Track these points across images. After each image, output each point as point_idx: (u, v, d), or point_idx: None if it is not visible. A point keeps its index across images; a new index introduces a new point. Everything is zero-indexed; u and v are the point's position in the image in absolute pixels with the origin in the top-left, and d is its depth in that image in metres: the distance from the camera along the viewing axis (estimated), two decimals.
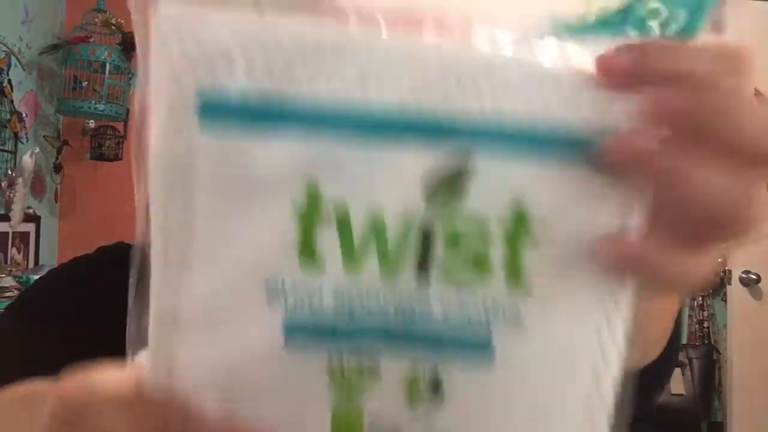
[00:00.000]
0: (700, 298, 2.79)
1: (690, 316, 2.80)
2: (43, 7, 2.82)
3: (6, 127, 2.56)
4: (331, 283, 0.31)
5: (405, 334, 0.32)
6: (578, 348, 0.33)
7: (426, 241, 0.31)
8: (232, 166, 0.31)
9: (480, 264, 0.32)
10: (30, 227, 2.73)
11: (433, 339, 0.32)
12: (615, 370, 0.33)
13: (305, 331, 0.31)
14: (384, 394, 0.33)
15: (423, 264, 0.31)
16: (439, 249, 0.31)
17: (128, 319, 0.32)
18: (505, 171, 0.31)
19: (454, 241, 0.31)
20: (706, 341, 2.74)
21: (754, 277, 2.47)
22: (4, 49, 2.56)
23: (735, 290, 2.50)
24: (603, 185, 0.32)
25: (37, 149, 2.68)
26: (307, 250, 0.31)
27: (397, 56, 0.31)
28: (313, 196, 0.31)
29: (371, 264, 0.31)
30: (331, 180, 0.31)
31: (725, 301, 2.64)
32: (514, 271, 0.31)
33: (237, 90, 0.30)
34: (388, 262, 0.31)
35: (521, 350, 0.32)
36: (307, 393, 0.32)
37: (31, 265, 2.70)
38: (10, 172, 2.58)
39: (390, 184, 0.31)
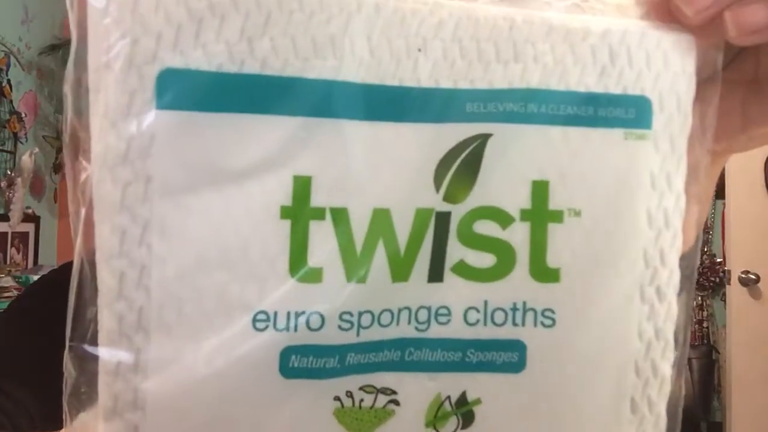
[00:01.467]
0: (700, 298, 2.78)
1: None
2: (42, 7, 2.82)
3: (5, 127, 2.56)
4: (333, 299, 0.25)
5: (423, 349, 0.27)
6: (615, 341, 0.28)
7: (440, 236, 0.27)
8: (199, 159, 0.24)
9: (501, 258, 0.27)
10: (29, 227, 2.72)
11: (456, 350, 0.27)
12: (664, 370, 0.28)
13: (305, 360, 0.25)
14: (404, 425, 0.27)
15: (437, 263, 0.27)
16: (453, 244, 0.27)
17: (65, 370, 0.25)
18: (522, 149, 0.27)
19: (470, 234, 0.27)
20: (706, 341, 2.74)
21: (753, 277, 2.47)
22: (4, 49, 2.56)
23: (734, 290, 2.50)
24: (635, 156, 0.28)
25: (37, 149, 2.68)
26: (299, 257, 0.25)
27: (395, 16, 0.25)
28: (302, 189, 0.25)
29: (379, 269, 0.26)
30: (324, 169, 0.25)
31: (724, 301, 2.64)
32: (539, 261, 0.27)
33: (202, 66, 0.24)
34: (398, 264, 0.26)
35: (553, 346, 0.28)
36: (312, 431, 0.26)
37: (30, 265, 2.69)
38: (9, 172, 2.57)
39: (397, 172, 0.26)
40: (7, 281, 2.36)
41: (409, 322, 0.27)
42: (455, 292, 0.27)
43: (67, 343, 0.25)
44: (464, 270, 0.27)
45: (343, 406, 0.27)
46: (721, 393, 2.65)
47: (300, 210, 0.25)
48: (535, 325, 0.28)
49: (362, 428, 0.27)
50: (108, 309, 0.24)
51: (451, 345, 0.27)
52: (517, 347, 0.28)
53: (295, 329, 0.25)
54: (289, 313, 0.25)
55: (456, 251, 0.27)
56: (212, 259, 0.25)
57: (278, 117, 0.25)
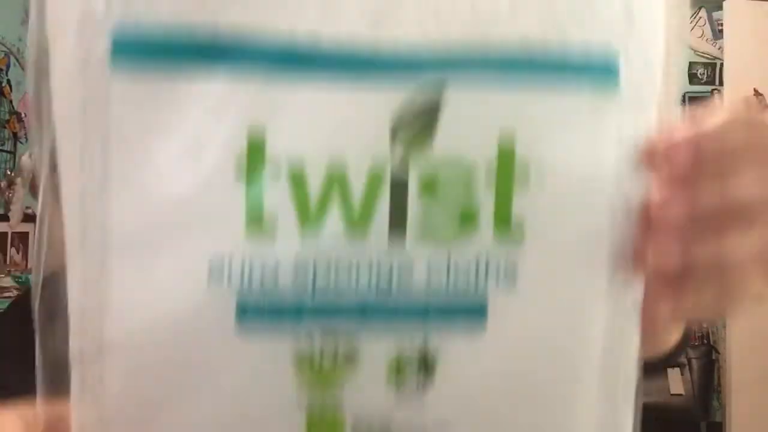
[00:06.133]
0: None
1: None
2: None
3: (5, 127, 2.56)
4: (287, 252, 0.26)
5: (384, 306, 0.27)
6: (580, 302, 0.28)
7: (398, 192, 0.27)
8: (154, 116, 0.25)
9: (464, 215, 0.27)
10: (29, 227, 2.72)
11: (418, 308, 0.27)
12: (630, 329, 0.29)
13: (261, 314, 0.26)
14: (366, 383, 0.28)
15: (397, 221, 0.27)
16: (414, 201, 0.27)
17: (38, 348, 0.27)
18: (485, 102, 0.27)
19: (431, 190, 0.27)
20: (705, 341, 2.73)
21: None
22: (4, 49, 2.56)
23: None
24: (602, 114, 0.28)
25: None
26: (254, 213, 0.26)
27: None
28: (257, 145, 0.25)
29: (334, 224, 0.26)
30: (279, 125, 0.25)
31: None
32: (504, 218, 0.27)
33: (155, 23, 0.24)
34: (354, 221, 0.26)
35: (516, 307, 0.28)
36: (273, 390, 0.27)
37: (30, 265, 2.69)
38: (9, 173, 2.57)
39: (352, 127, 0.26)
40: (7, 281, 2.36)
41: (370, 283, 0.27)
42: (417, 251, 0.27)
43: (37, 325, 0.26)
44: (427, 232, 0.27)
45: (303, 368, 0.27)
46: (721, 393, 2.65)
47: (254, 167, 0.25)
48: (497, 284, 0.27)
49: (327, 389, 0.27)
50: (73, 260, 0.25)
51: (412, 305, 0.27)
52: (478, 305, 0.28)
53: (250, 281, 0.26)
54: (242, 265, 0.26)
55: (418, 209, 0.27)
56: (168, 216, 0.25)
57: (233, 70, 0.25)
